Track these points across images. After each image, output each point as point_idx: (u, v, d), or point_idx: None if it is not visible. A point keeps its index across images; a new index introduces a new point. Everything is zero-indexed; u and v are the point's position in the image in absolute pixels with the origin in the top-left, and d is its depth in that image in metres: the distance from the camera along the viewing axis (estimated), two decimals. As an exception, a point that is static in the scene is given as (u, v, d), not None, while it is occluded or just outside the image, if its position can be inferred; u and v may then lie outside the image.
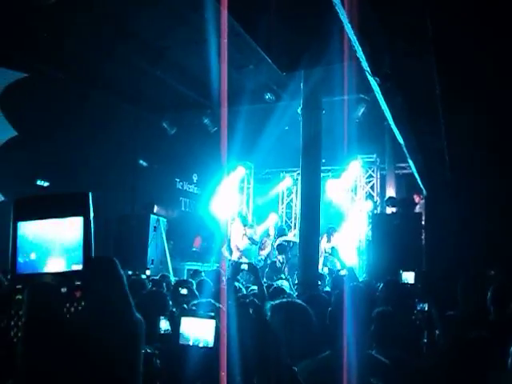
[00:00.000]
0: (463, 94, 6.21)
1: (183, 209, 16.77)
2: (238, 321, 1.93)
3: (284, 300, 3.13)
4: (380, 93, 4.73)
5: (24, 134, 10.68)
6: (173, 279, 9.11)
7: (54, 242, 1.27)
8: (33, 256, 1.25)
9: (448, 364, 3.11)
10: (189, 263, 13.95)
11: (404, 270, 5.88)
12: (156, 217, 12.70)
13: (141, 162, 14.67)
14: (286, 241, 14.12)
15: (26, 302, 1.17)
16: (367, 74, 4.15)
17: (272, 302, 3.06)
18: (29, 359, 1.12)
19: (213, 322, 2.20)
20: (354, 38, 3.37)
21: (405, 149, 7.23)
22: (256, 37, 7.44)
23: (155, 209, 12.94)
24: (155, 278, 8.49)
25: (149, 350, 2.88)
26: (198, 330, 2.22)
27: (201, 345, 2.18)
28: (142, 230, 12.26)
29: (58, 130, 11.12)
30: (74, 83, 11.64)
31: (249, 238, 13.84)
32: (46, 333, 1.14)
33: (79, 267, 1.28)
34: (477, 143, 7.94)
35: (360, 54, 3.67)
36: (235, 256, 13.44)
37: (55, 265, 1.27)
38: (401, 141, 6.91)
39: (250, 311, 1.86)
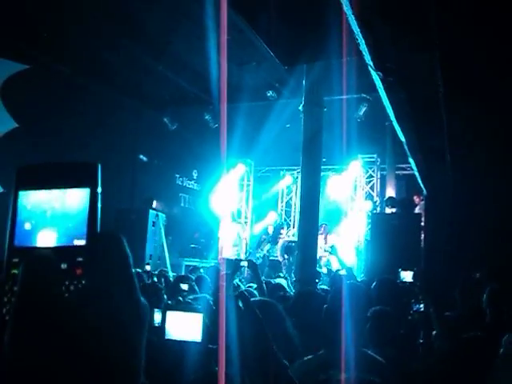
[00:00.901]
0: (466, 93, 6.17)
1: (182, 205, 16.74)
2: (227, 314, 1.89)
3: (257, 299, 3.12)
4: (382, 88, 4.68)
5: (25, 125, 10.65)
6: (171, 275, 9.10)
7: (57, 214, 1.19)
8: (32, 228, 1.17)
9: (445, 364, 3.09)
10: (187, 259, 13.94)
11: (403, 269, 5.86)
12: (155, 212, 12.68)
13: (141, 156, 14.65)
14: (291, 241, 14.13)
15: (20, 277, 1.09)
16: (370, 68, 4.11)
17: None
18: (17, 339, 1.04)
19: (199, 316, 2.12)
20: (358, 30, 3.33)
21: (406, 147, 7.20)
22: (258, 31, 7.40)
23: (154, 204, 12.92)
24: (154, 273, 8.48)
25: None
26: (184, 325, 2.13)
27: (188, 339, 2.11)
28: (141, 224, 12.23)
29: (59, 122, 11.09)
30: (76, 76, 11.62)
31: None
32: (39, 310, 1.06)
33: (82, 242, 1.19)
34: (479, 143, 7.91)
35: (363, 47, 3.62)
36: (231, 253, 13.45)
37: (56, 238, 1.18)
38: (402, 138, 6.87)
39: (240, 304, 1.82)
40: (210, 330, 2.05)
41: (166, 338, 2.11)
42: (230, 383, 1.86)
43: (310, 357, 2.91)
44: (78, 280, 1.15)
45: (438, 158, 7.53)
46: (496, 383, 2.69)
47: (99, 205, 1.22)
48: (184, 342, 2.12)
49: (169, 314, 2.14)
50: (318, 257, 12.11)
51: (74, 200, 1.20)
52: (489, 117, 7.15)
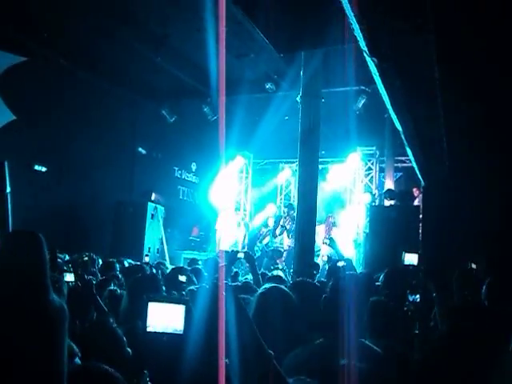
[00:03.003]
0: (463, 80, 6.14)
1: (181, 197, 16.74)
2: (210, 304, 1.87)
3: (268, 286, 3.12)
4: (378, 75, 4.66)
5: (22, 118, 10.64)
6: (169, 267, 9.11)
7: None
8: None
9: (442, 353, 3.09)
10: (186, 252, 13.96)
11: (407, 252, 5.80)
12: (154, 204, 12.69)
13: (139, 149, 14.63)
14: None
15: None
16: (365, 54, 4.09)
17: (261, 289, 3.06)
18: None
19: (182, 307, 2.10)
20: (351, 14, 3.30)
21: (403, 136, 7.17)
22: (254, 19, 7.37)
23: (153, 197, 12.92)
24: (152, 265, 8.50)
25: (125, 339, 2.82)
26: (166, 316, 2.10)
27: (170, 331, 2.08)
28: (140, 217, 12.26)
29: (57, 115, 11.08)
30: (74, 69, 11.59)
31: (245, 224, 13.87)
32: None
33: None
34: (476, 132, 7.86)
35: (357, 32, 3.60)
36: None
37: None
38: (399, 128, 6.85)
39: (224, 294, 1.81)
40: (198, 321, 2.03)
41: (148, 330, 2.08)
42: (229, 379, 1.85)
43: (308, 345, 2.92)
44: None
45: (435, 147, 7.50)
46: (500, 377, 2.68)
47: (9, 206, 1.17)
48: (166, 333, 2.09)
49: (150, 305, 2.11)
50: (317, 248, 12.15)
51: None
52: (487, 105, 7.11)
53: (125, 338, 2.81)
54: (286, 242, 13.95)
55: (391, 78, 4.72)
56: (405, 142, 7.60)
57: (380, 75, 4.70)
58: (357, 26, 3.55)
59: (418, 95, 5.42)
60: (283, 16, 7.11)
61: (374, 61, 4.22)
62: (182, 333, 2.08)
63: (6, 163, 1.16)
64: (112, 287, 5.02)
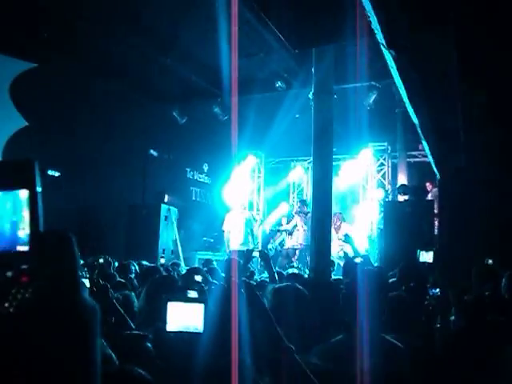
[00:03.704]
0: (481, 72, 6.07)
1: (194, 198, 16.75)
2: (224, 300, 1.87)
3: (283, 284, 3.12)
4: (395, 68, 4.60)
5: (34, 123, 10.69)
6: (184, 268, 9.12)
7: None
8: None
9: (462, 347, 3.07)
10: (200, 252, 13.96)
11: (422, 250, 5.77)
12: (167, 206, 12.69)
13: (151, 151, 14.66)
14: None
15: None
16: (382, 46, 4.04)
17: (274, 285, 3.06)
18: None
19: (201, 306, 2.09)
20: (370, 7, 3.26)
21: (419, 129, 7.09)
22: (267, 15, 7.32)
23: (166, 198, 12.92)
24: (167, 266, 8.51)
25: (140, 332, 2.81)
26: (186, 315, 2.09)
27: (190, 330, 2.07)
28: (153, 219, 12.26)
29: (69, 119, 11.12)
30: (85, 73, 11.62)
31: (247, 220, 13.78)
32: None
33: (25, 248, 1.11)
34: (493, 123, 7.78)
35: (375, 25, 3.56)
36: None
37: None
38: (415, 121, 6.78)
39: (242, 290, 1.80)
40: (215, 318, 2.03)
41: (168, 330, 2.08)
42: (242, 371, 1.84)
43: (329, 342, 2.91)
44: (24, 288, 1.08)
45: (452, 139, 7.43)
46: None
47: (40, 205, 1.12)
48: (186, 333, 2.09)
49: (170, 305, 2.11)
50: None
51: (13, 203, 1.11)
52: (505, 96, 7.03)
53: (149, 344, 2.81)
54: (300, 240, 13.89)
55: (409, 70, 4.68)
56: (421, 135, 7.55)
57: (398, 68, 4.64)
58: (375, 18, 3.51)
59: (436, 88, 5.36)
60: (297, 12, 7.05)
61: (391, 53, 4.17)
62: (201, 331, 2.07)
63: (36, 162, 1.14)
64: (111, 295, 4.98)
